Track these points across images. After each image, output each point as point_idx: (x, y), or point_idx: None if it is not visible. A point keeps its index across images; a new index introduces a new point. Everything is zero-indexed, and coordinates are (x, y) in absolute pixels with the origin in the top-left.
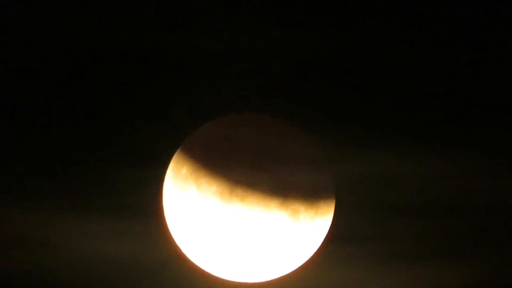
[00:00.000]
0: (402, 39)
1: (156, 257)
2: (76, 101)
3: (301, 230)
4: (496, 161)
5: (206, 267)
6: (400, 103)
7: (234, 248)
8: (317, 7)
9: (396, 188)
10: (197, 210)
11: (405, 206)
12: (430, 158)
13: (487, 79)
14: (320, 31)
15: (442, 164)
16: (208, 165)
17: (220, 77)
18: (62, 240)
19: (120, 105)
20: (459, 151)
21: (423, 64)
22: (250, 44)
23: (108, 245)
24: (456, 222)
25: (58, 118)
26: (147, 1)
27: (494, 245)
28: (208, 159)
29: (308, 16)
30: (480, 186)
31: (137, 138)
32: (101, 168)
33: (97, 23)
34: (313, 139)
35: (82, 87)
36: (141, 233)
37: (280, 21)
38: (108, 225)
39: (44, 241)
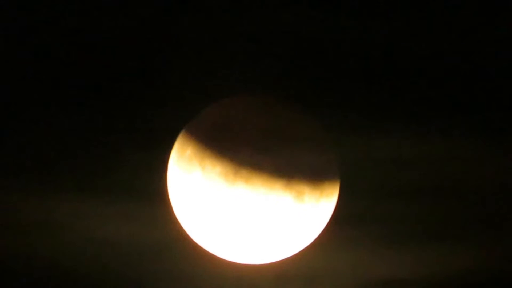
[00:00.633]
0: (410, 25)
1: (160, 239)
2: (79, 83)
3: (306, 211)
4: (500, 144)
5: (211, 249)
6: (406, 87)
7: (238, 230)
8: None
9: (400, 170)
10: (202, 191)
11: (409, 188)
12: (434, 141)
13: (491, 63)
14: (330, 13)
15: (446, 147)
16: (213, 147)
17: (226, 59)
18: (66, 223)
19: (124, 87)
20: (463, 134)
21: (429, 49)
22: (257, 27)
23: (113, 227)
24: (461, 205)
25: (61, 100)
26: None
27: (498, 227)
28: (213, 141)
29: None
30: (484, 169)
31: (141, 120)
32: (105, 150)
33: (105, 4)
34: (318, 121)
35: (86, 69)
36: (146, 215)
37: (290, 3)
38: (113, 207)
39: (48, 223)
